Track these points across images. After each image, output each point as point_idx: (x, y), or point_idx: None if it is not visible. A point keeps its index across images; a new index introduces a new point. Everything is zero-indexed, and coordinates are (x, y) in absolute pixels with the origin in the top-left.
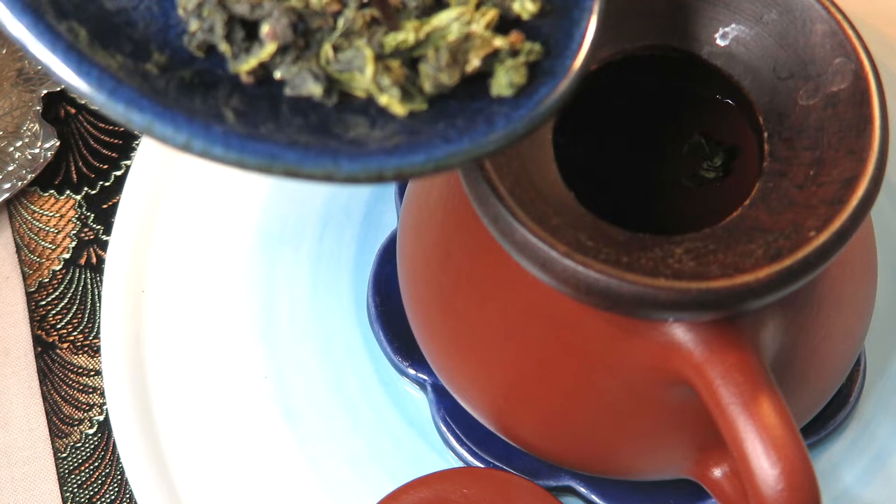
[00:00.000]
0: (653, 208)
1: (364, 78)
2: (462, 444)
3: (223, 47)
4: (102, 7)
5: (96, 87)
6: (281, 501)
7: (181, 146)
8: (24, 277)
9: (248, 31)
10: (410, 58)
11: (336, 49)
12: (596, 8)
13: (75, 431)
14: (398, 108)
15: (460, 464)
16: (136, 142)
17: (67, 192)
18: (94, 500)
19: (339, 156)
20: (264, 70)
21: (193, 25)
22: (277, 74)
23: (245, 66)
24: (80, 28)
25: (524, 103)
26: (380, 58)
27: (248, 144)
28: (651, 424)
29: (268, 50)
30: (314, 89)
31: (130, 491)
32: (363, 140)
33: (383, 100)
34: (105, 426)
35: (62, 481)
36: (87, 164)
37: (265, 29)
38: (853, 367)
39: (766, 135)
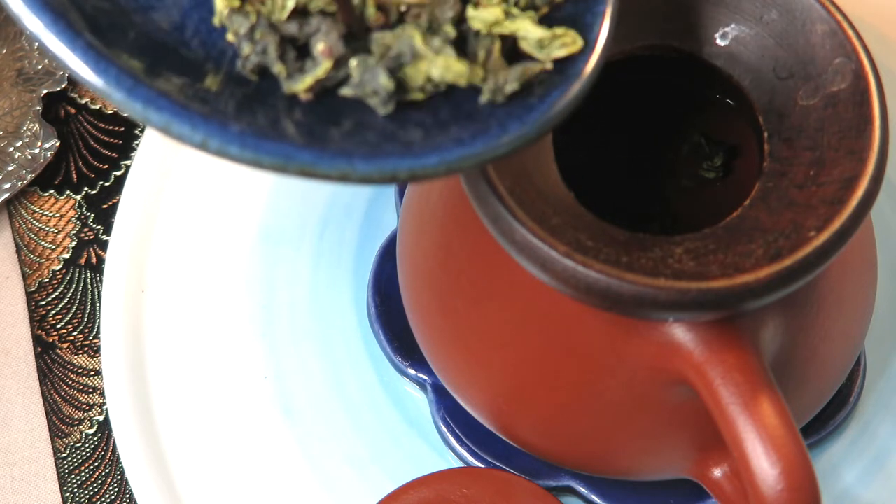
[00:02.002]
0: (653, 208)
1: (418, 62)
2: (462, 444)
3: (277, 68)
4: (150, 26)
5: (114, 86)
6: (281, 501)
7: (198, 145)
8: (24, 277)
9: (298, 49)
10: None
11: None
12: (608, 12)
13: (75, 431)
14: (458, 66)
15: (460, 464)
16: (136, 142)
17: (67, 192)
18: (94, 500)
19: (354, 156)
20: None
21: (246, 49)
22: (352, 67)
23: (302, 84)
24: (132, 60)
25: (536, 106)
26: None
27: (264, 144)
28: (651, 424)
29: (324, 67)
30: (386, 84)
31: (130, 491)
32: (380, 141)
33: (439, 63)
34: (105, 426)
35: (62, 481)
36: (87, 164)
37: (319, 47)
38: (853, 367)
39: (766, 135)
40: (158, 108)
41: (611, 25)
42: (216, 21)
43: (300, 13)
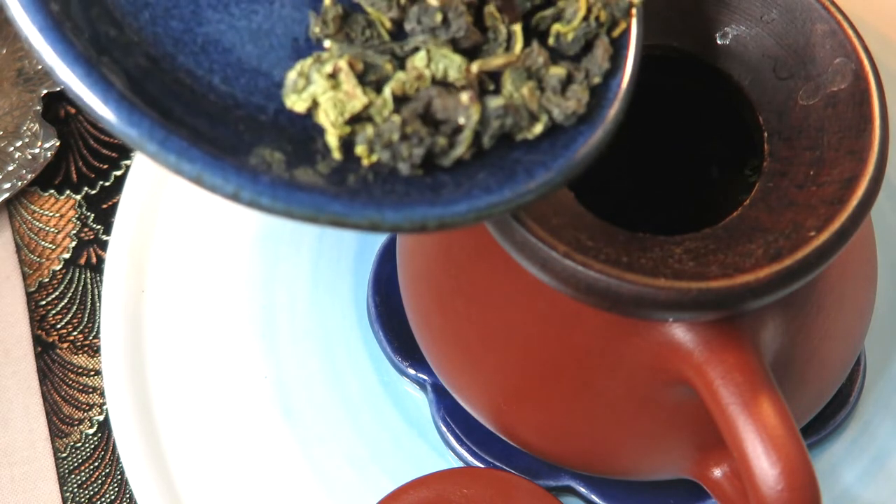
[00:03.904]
0: (653, 208)
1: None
2: (462, 444)
3: (441, 142)
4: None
5: (147, 137)
6: (281, 501)
7: (230, 196)
8: (24, 277)
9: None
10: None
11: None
12: (631, 57)
13: (75, 431)
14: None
15: (460, 464)
16: None
17: (67, 192)
18: (94, 500)
19: (384, 206)
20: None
21: (405, 151)
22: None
23: (465, 143)
24: (156, 105)
25: (562, 153)
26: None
27: (295, 195)
28: (651, 424)
29: (476, 111)
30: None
31: (130, 491)
32: (408, 189)
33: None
34: (105, 426)
35: (62, 481)
36: (87, 164)
37: (464, 97)
38: (853, 367)
39: (766, 135)
40: (191, 160)
41: (635, 71)
42: (336, 156)
43: (401, 100)
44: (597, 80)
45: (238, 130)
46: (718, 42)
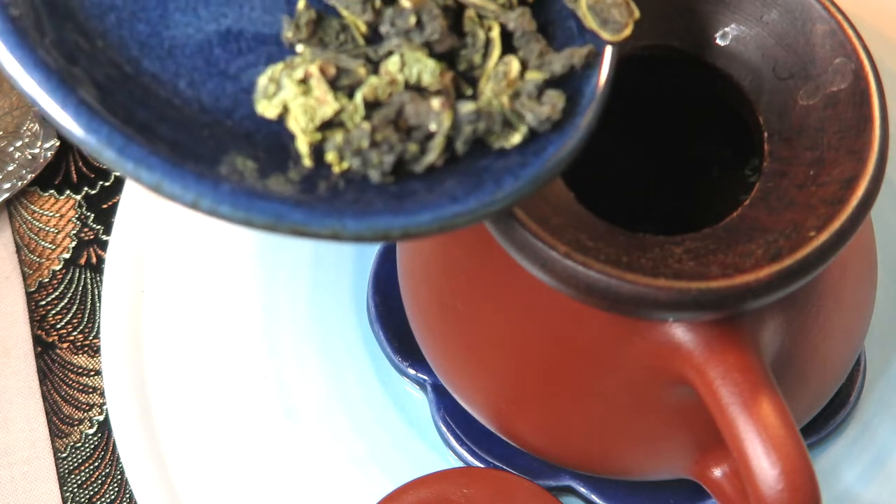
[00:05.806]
0: (653, 208)
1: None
2: (462, 444)
3: (412, 149)
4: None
5: (105, 144)
6: (281, 501)
7: (189, 204)
8: (24, 277)
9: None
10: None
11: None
12: (606, 65)
13: (75, 431)
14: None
15: (460, 464)
16: None
17: (67, 191)
18: (94, 500)
19: (345, 215)
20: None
21: (375, 158)
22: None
23: (437, 149)
24: (121, 113)
25: (532, 161)
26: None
27: (255, 203)
28: (651, 424)
29: (448, 118)
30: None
31: (130, 491)
32: (372, 198)
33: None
34: (105, 426)
35: (62, 481)
36: (87, 163)
37: (436, 104)
38: (853, 367)
39: (766, 135)
40: (149, 167)
41: (609, 79)
42: (307, 162)
43: (373, 105)
44: (571, 84)
45: (203, 136)
46: (718, 42)
